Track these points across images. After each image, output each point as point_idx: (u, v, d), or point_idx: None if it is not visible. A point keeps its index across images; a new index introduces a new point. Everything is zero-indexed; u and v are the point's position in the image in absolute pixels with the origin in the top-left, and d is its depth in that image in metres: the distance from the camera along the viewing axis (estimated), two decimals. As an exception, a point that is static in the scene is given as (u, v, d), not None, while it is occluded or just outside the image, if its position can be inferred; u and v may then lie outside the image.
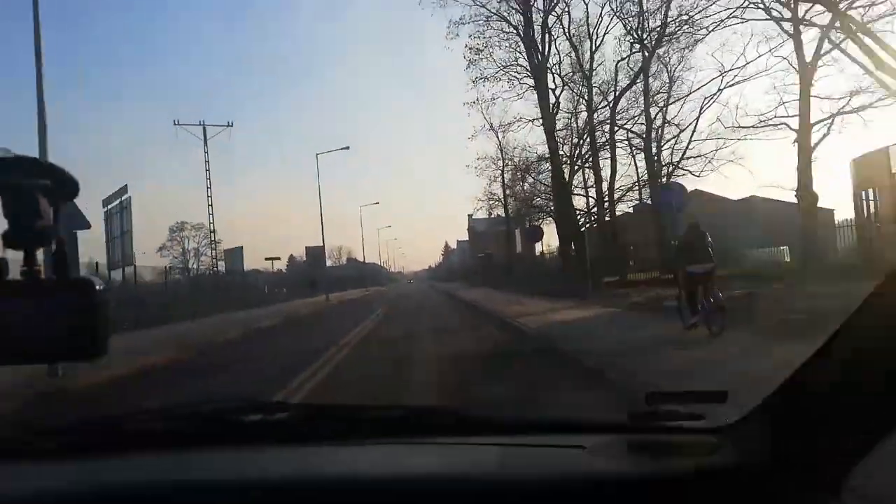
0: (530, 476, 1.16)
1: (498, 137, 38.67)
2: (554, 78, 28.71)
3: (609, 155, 29.41)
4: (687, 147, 27.62)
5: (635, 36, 26.14)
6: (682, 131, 27.51)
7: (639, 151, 29.41)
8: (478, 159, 38.79)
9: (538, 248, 39.79)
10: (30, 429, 1.47)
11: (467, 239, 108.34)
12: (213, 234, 36.86)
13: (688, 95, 26.38)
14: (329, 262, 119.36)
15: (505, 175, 41.24)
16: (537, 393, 6.25)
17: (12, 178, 0.77)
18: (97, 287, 0.81)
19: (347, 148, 41.20)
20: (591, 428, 1.37)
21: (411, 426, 1.45)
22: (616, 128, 28.00)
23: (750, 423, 1.13)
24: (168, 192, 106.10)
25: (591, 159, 29.77)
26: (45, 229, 0.79)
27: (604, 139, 30.20)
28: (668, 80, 27.52)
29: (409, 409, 1.56)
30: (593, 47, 27.92)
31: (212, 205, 36.24)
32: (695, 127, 26.85)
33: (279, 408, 1.50)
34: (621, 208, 34.03)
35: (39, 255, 0.82)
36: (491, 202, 44.72)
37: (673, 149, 28.64)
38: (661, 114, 27.57)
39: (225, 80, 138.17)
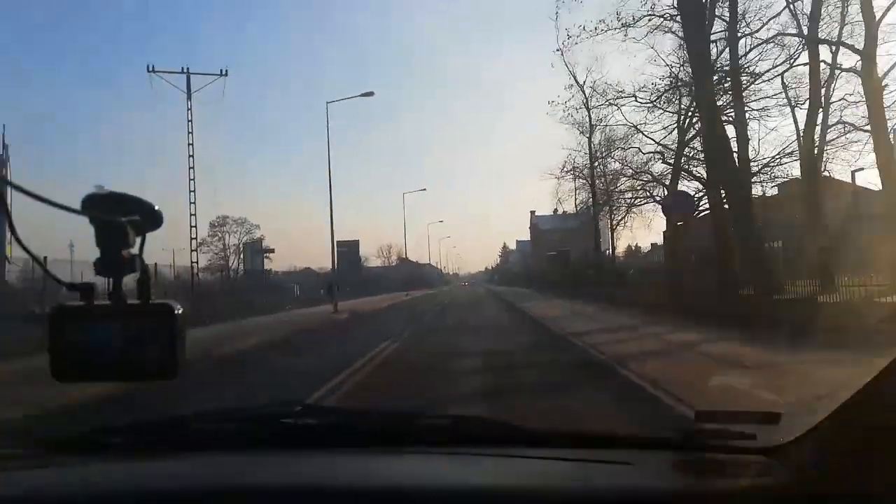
0: (577, 491, 1.16)
1: (584, 92, 28.92)
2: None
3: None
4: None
5: None
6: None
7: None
8: (566, 94, 28.42)
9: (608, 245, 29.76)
10: (97, 426, 1.53)
11: (528, 239, 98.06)
12: (193, 218, 27.23)
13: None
14: (378, 262, 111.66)
15: (593, 140, 31.23)
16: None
17: (105, 212, 0.83)
18: (176, 311, 0.86)
19: (372, 93, 29.34)
20: (639, 443, 1.39)
21: (459, 436, 1.46)
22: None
23: (802, 446, 1.11)
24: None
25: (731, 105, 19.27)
26: (132, 258, 0.85)
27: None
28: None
29: (457, 418, 1.57)
30: None
31: (194, 179, 27.07)
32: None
33: (331, 412, 1.68)
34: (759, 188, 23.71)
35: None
36: (564, 180, 34.82)
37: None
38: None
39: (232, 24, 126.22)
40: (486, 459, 1.35)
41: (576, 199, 43.04)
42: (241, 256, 42.72)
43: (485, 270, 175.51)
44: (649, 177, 31.48)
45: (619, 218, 34.59)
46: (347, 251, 46.78)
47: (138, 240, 0.87)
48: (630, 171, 32.68)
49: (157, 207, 0.88)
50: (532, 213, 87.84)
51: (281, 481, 1.23)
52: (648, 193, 32.08)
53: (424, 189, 58.32)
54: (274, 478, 1.24)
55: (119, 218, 0.84)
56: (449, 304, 33.09)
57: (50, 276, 0.89)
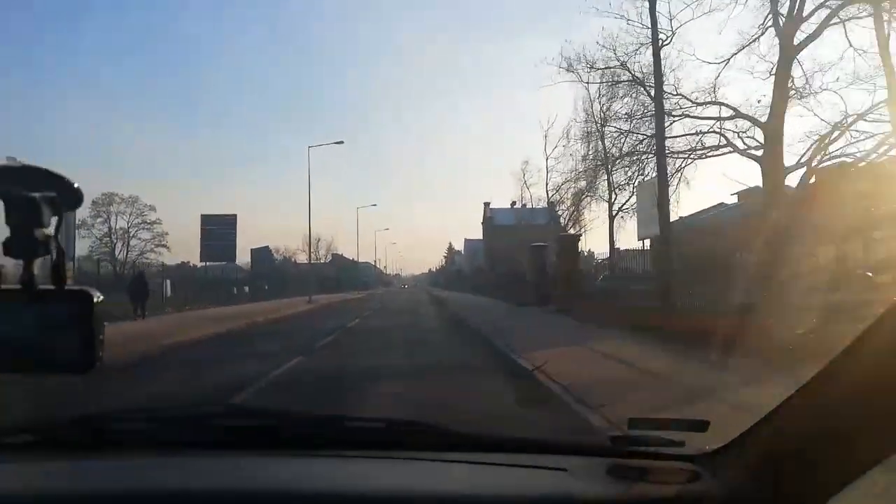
0: (511, 497, 1.17)
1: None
2: None
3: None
4: None
5: None
6: None
7: None
8: None
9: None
10: (13, 424, 1.47)
11: (479, 238, 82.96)
12: None
13: None
14: (303, 258, 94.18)
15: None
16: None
17: (17, 187, 0.77)
18: (95, 298, 0.80)
19: None
20: (573, 449, 1.37)
21: (391, 440, 1.41)
22: None
23: (730, 453, 1.13)
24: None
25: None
26: (46, 239, 0.79)
27: None
28: None
29: (389, 421, 1.48)
30: None
31: None
32: None
33: (256, 413, 1.56)
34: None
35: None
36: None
37: None
38: None
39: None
40: (418, 463, 1.33)
41: (547, 182, 32.09)
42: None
43: (429, 272, 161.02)
44: (727, 110, 17.04)
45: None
46: (216, 230, 29.97)
47: (54, 219, 0.80)
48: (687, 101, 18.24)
49: (76, 185, 0.82)
50: (486, 205, 72.53)
51: (205, 485, 1.19)
52: (724, 138, 17.56)
53: (341, 142, 40.73)
54: (197, 481, 1.20)
55: (33, 194, 0.77)
56: (359, 329, 17.14)
57: None
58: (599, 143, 25.77)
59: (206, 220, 30.63)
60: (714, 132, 18.17)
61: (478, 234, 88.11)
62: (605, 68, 21.06)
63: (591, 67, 21.51)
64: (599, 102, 25.47)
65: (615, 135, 23.53)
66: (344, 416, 1.54)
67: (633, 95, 21.62)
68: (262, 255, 41.43)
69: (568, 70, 22.18)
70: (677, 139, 19.27)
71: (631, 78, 20.54)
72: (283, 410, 1.52)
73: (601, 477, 1.19)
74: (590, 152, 27.05)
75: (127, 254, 54.53)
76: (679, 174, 20.65)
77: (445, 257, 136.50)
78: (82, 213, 54.95)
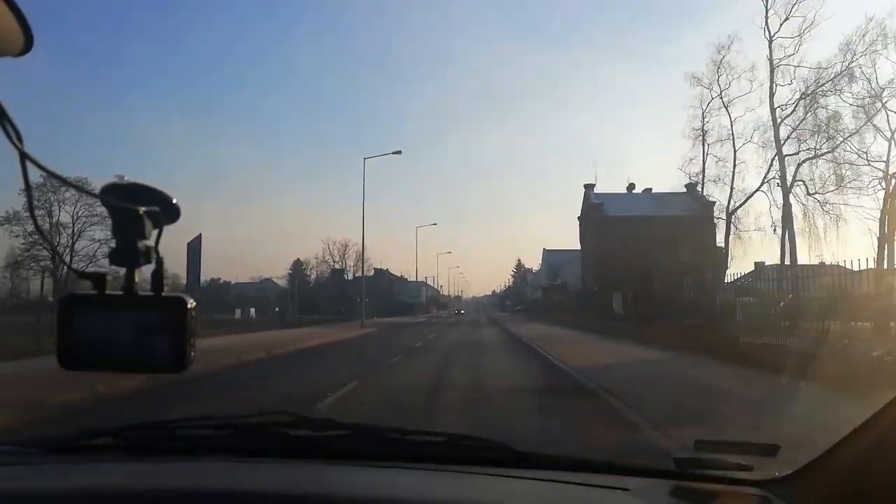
0: None
1: None
2: None
3: None
4: None
5: None
6: None
7: None
8: None
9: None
10: (87, 427, 1.56)
11: (568, 248, 59.52)
12: None
13: None
14: (326, 269, 71.56)
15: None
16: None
17: (124, 202, 0.83)
18: (189, 304, 0.86)
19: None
20: (637, 471, 1.37)
21: (456, 455, 1.45)
22: None
23: (799, 480, 1.11)
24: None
25: None
26: (147, 250, 0.85)
27: None
28: None
29: (455, 437, 1.53)
30: None
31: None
32: None
33: (326, 424, 1.55)
34: None
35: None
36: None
37: None
38: None
39: None
40: (481, 478, 1.34)
41: (772, 88, 21.24)
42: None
43: (492, 294, 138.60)
44: None
45: None
46: None
47: (154, 232, 0.86)
48: None
49: (174, 200, 0.87)
50: (588, 188, 48.33)
51: (268, 488, 1.23)
52: None
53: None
54: (261, 484, 1.26)
55: (138, 208, 0.83)
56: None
57: (64, 264, 0.88)
58: None
59: None
60: None
61: (563, 243, 65.03)
62: None
63: None
64: None
65: None
66: (410, 429, 1.54)
67: None
68: (194, 249, 19.41)
69: None
70: None
71: None
72: (350, 422, 1.52)
73: (664, 498, 1.20)
74: None
75: (71, 259, 34.21)
76: None
77: (513, 275, 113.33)
78: (14, 201, 36.84)
